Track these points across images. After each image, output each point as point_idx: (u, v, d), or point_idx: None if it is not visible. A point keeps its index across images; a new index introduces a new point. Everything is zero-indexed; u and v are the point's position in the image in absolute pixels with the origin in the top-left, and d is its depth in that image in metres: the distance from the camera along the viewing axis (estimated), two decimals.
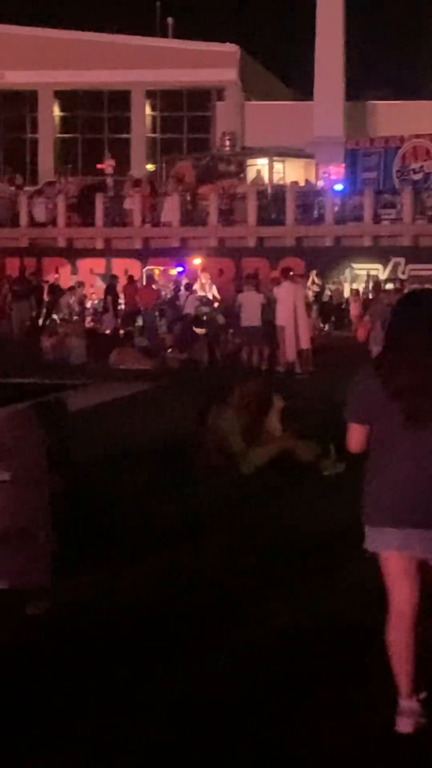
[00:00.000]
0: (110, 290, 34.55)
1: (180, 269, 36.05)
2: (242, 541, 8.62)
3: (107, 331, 31.13)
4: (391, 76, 51.73)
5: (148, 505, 9.73)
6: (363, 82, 51.36)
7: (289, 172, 43.39)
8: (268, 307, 24.03)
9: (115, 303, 33.78)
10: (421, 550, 5.07)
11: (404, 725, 5.02)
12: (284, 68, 55.59)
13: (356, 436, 5.21)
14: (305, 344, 23.06)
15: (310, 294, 32.39)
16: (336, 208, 38.75)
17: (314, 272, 34.37)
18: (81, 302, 34.35)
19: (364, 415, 5.17)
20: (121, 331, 30.54)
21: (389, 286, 31.90)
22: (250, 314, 24.45)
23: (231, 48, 49.39)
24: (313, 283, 34.27)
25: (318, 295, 34.08)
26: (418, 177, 38.21)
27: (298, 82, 52.46)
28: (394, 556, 5.13)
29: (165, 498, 10.03)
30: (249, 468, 11.23)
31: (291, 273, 24.45)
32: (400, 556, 5.12)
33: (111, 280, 35.19)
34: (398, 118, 46.18)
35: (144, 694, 5.58)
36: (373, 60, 58.16)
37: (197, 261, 36.33)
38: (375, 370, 5.16)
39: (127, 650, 6.19)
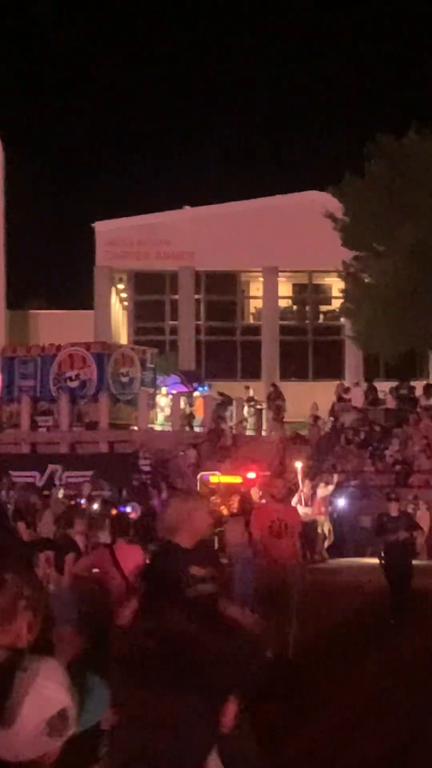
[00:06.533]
0: None
1: None
2: None
3: None
4: (51, 285, 52.65)
5: None
6: (25, 292, 52.05)
7: None
8: None
9: None
10: None
11: None
12: None
13: None
14: None
15: None
16: None
17: None
18: None
19: None
20: None
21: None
22: None
23: None
24: None
25: None
26: (74, 384, 38.38)
27: None
28: None
29: None
30: None
31: None
32: None
33: None
34: (58, 326, 46.86)
35: None
36: (34, 269, 59.23)
37: None
38: None
39: None
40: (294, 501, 27.94)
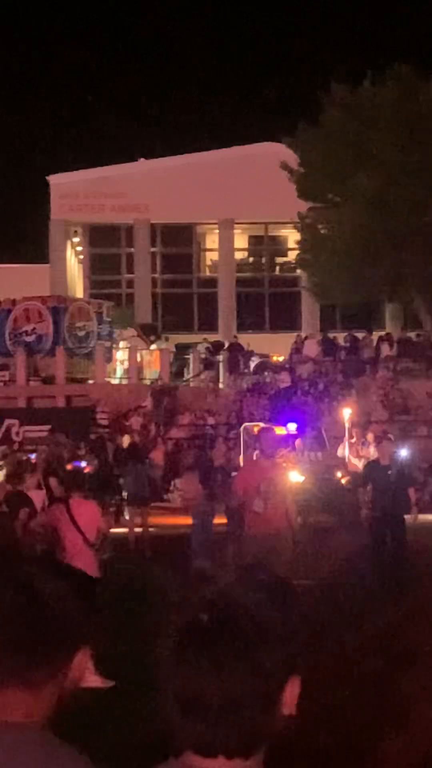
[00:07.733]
0: None
1: None
2: None
3: None
4: (5, 239, 52.05)
5: None
6: None
7: None
8: None
9: None
10: None
11: None
12: None
13: None
14: None
15: None
16: None
17: None
18: None
19: None
20: None
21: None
22: None
23: None
24: None
25: None
26: (30, 339, 38.13)
27: None
28: None
29: None
30: None
31: None
32: None
33: None
34: (13, 280, 46.42)
35: None
36: None
37: None
38: None
39: None
40: (342, 452, 26.12)
